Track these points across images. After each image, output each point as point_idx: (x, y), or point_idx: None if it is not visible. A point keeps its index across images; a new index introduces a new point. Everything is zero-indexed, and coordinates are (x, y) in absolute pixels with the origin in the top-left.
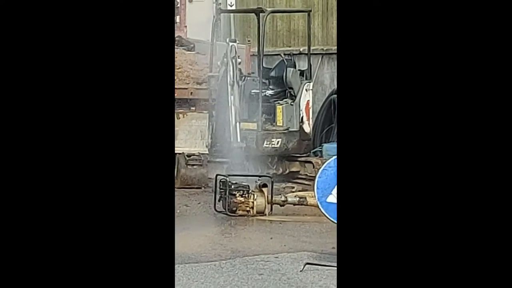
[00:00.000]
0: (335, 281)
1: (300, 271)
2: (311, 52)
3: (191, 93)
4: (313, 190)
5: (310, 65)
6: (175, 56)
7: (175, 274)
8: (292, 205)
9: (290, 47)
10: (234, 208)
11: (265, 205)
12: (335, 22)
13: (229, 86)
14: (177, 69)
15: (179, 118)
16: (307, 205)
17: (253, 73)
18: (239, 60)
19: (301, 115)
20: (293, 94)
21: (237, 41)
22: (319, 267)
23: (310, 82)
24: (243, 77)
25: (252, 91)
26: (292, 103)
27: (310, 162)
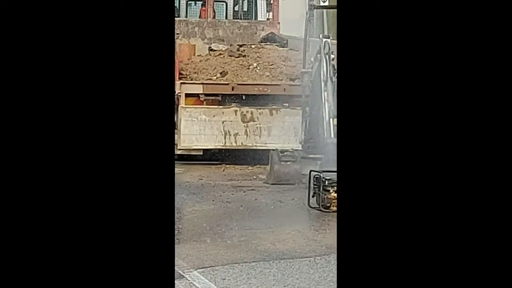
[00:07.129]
0: None
1: None
2: None
3: (284, 89)
4: None
5: None
6: (268, 52)
7: (270, 270)
8: None
9: None
10: (328, 204)
11: None
12: None
13: (322, 82)
14: (270, 65)
15: (272, 114)
16: None
17: None
18: (332, 56)
19: None
20: None
21: (331, 37)
22: None
23: None
24: (337, 73)
25: None
26: None
27: None
